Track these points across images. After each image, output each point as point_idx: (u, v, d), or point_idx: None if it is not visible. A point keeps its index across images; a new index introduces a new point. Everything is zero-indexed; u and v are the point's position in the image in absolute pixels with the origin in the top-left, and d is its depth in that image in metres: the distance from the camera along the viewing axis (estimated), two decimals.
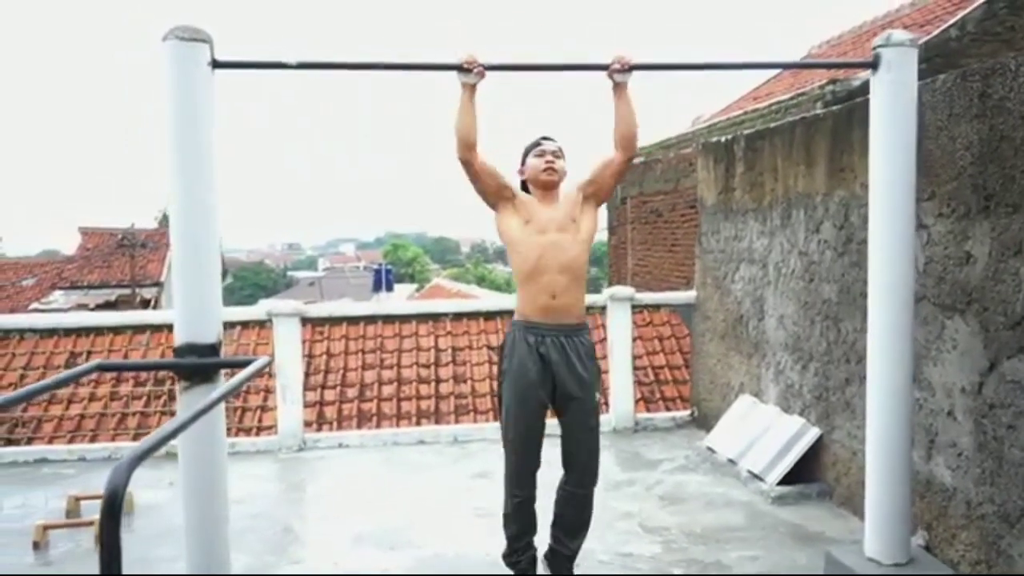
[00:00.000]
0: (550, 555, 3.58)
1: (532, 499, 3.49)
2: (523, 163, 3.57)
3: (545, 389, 3.38)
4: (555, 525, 3.55)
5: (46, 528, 4.40)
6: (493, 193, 3.47)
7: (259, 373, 2.68)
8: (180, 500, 2.99)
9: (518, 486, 3.45)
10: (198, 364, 2.85)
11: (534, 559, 3.57)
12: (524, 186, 3.61)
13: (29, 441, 7.29)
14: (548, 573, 3.57)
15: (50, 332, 8.28)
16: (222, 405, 3.01)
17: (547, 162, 3.45)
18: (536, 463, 3.47)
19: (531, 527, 3.53)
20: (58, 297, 24.44)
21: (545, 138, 3.56)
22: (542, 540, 3.61)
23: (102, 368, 2.87)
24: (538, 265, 3.35)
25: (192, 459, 2.93)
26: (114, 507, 1.56)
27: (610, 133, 3.48)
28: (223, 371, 2.99)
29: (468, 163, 3.37)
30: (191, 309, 2.91)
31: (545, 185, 3.47)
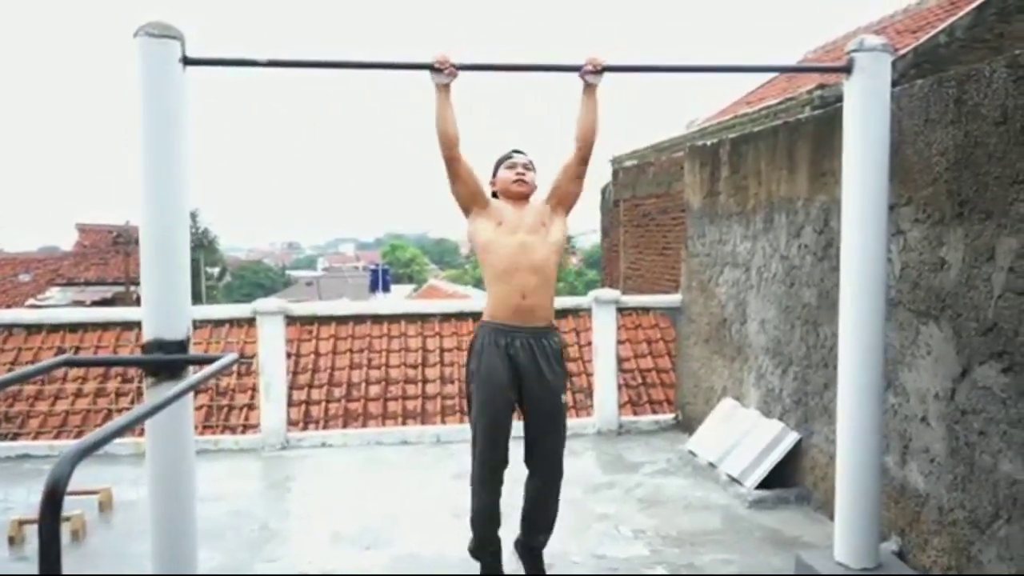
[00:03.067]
0: (519, 546, 3.64)
1: (498, 499, 3.51)
2: (494, 175, 3.65)
3: (513, 390, 3.43)
4: (523, 520, 3.61)
5: (22, 524, 4.39)
6: (469, 196, 3.52)
7: (226, 369, 2.68)
8: (147, 498, 2.99)
9: (485, 488, 3.48)
10: (165, 360, 2.85)
11: (499, 553, 3.61)
12: (495, 198, 3.67)
13: (14, 437, 7.28)
14: (517, 571, 3.59)
15: (38, 328, 8.28)
16: (189, 401, 3.01)
17: (517, 174, 3.54)
18: (504, 462, 3.49)
19: (496, 523, 3.57)
20: (54, 293, 24.45)
21: (516, 151, 3.65)
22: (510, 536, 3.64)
23: (70, 363, 2.88)
24: (509, 265, 3.41)
25: (159, 456, 2.93)
26: (55, 500, 1.57)
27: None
28: (192, 368, 2.99)
29: (453, 160, 3.43)
30: (159, 305, 2.91)
31: (516, 196, 3.55)
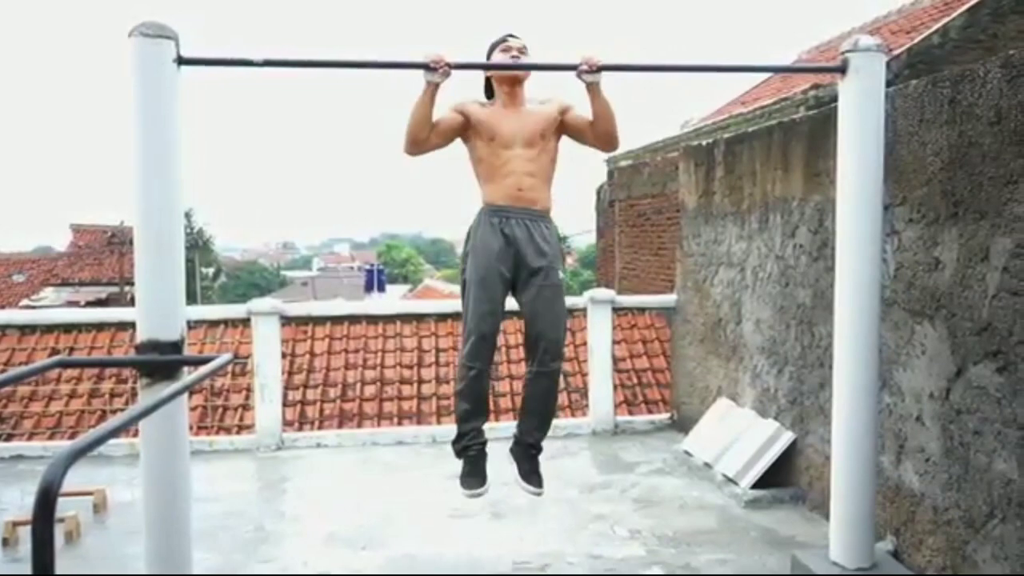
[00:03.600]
0: (515, 447, 3.53)
1: (487, 373, 3.43)
2: (488, 59, 3.49)
3: (506, 264, 3.34)
4: (521, 415, 3.53)
5: (15, 525, 4.38)
6: (452, 137, 3.41)
7: (220, 370, 2.67)
8: (141, 499, 2.98)
9: (474, 358, 3.37)
10: (159, 361, 2.84)
11: (483, 450, 3.50)
12: (488, 90, 3.53)
13: (8, 438, 7.25)
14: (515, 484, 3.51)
15: (32, 328, 8.25)
16: (184, 402, 3.00)
17: (513, 56, 3.39)
18: (494, 338, 3.42)
19: (483, 408, 3.49)
20: (49, 294, 24.40)
21: (511, 35, 3.49)
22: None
23: (64, 364, 2.87)
24: (503, 171, 3.34)
25: (154, 456, 2.92)
26: (48, 501, 1.55)
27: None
28: (187, 368, 2.98)
29: (415, 155, 3.35)
30: (154, 306, 2.90)
31: (512, 80, 3.40)
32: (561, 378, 3.52)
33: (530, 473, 3.47)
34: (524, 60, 3.41)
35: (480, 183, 3.45)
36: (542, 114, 3.42)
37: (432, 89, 3.20)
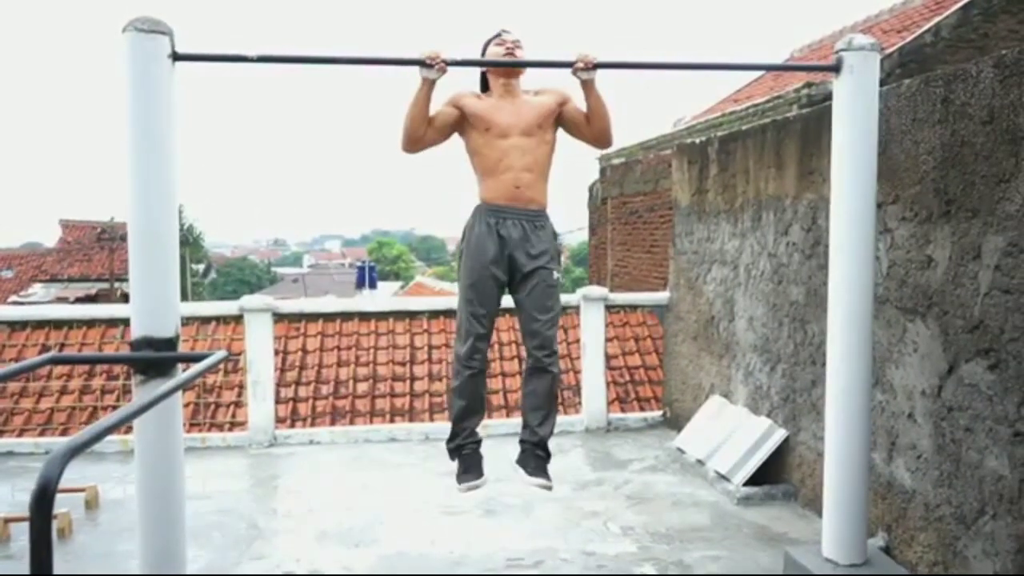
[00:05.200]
0: (521, 457, 3.50)
1: (482, 372, 3.46)
2: (483, 55, 3.49)
3: (501, 266, 3.36)
4: (524, 413, 3.51)
5: (7, 521, 4.36)
6: (452, 128, 3.41)
7: (215, 367, 2.67)
8: (135, 496, 2.97)
9: (469, 358, 3.40)
10: (153, 358, 2.83)
11: (478, 449, 3.52)
12: (484, 85, 3.53)
13: None
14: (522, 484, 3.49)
15: (22, 324, 8.20)
16: (178, 399, 2.99)
17: (507, 49, 3.39)
18: (488, 338, 3.44)
19: (478, 407, 3.51)
20: (37, 289, 24.27)
21: (505, 31, 3.49)
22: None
23: (57, 361, 2.86)
24: (500, 165, 3.33)
25: (148, 454, 2.91)
26: (45, 498, 1.54)
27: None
28: (181, 365, 2.97)
29: (413, 152, 3.36)
30: (148, 303, 2.89)
31: (507, 73, 3.41)
32: (559, 373, 3.51)
33: (537, 470, 3.46)
34: (519, 54, 3.40)
35: (477, 177, 3.44)
36: (540, 104, 3.41)
37: (428, 86, 3.20)
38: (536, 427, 3.46)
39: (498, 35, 3.47)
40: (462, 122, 3.40)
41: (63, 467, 1.57)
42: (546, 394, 3.45)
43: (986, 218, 3.16)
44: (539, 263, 3.36)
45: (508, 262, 3.36)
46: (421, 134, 3.30)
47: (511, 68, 3.39)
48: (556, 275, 3.44)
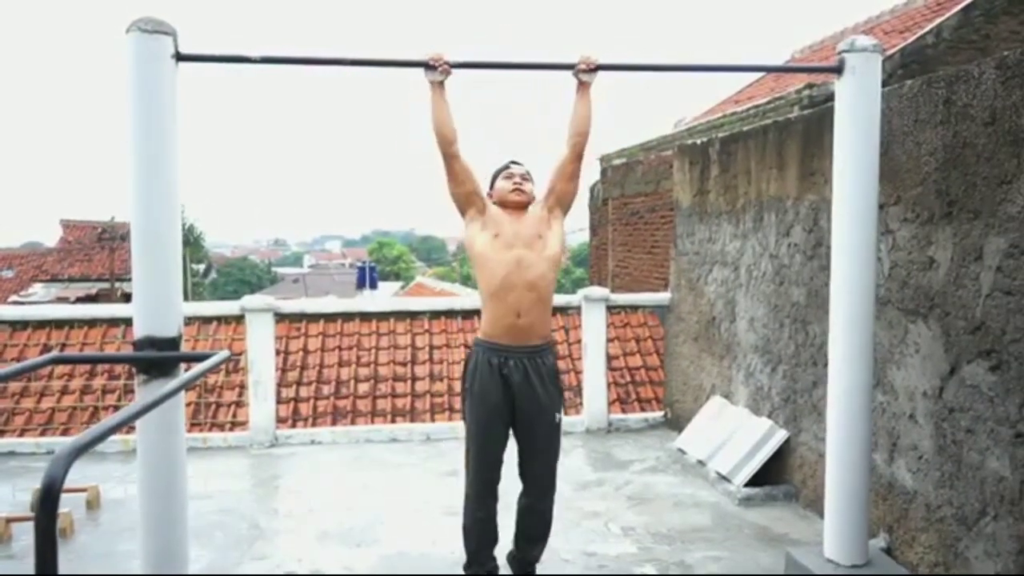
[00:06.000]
0: (513, 560, 3.65)
1: (493, 515, 3.50)
2: (492, 186, 3.61)
3: (506, 411, 3.42)
4: (517, 533, 3.60)
5: (9, 521, 4.36)
6: (465, 196, 3.47)
7: (218, 367, 2.67)
8: (138, 496, 2.97)
9: (479, 505, 3.47)
10: (156, 357, 2.83)
11: (495, 570, 3.57)
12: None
13: (0, 434, 7.21)
14: (510, 574, 3.60)
15: (23, 324, 8.20)
16: (181, 399, 2.99)
17: (515, 184, 3.49)
18: (497, 481, 3.49)
19: (492, 540, 3.55)
20: (38, 289, 24.27)
21: (514, 162, 3.62)
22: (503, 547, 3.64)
23: (58, 361, 2.86)
24: (504, 282, 3.35)
25: (150, 454, 2.91)
26: (50, 498, 1.55)
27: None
28: (183, 365, 2.97)
29: (451, 158, 3.40)
30: (151, 302, 2.89)
31: (514, 206, 3.50)
32: (554, 504, 3.61)
33: None
34: (527, 187, 3.52)
35: (481, 295, 3.48)
36: (535, 218, 3.50)
37: (438, 87, 3.26)
38: (530, 551, 3.60)
39: (507, 167, 3.59)
40: (475, 203, 3.48)
41: (68, 467, 1.57)
42: (543, 526, 3.55)
43: (988, 219, 3.16)
44: (541, 406, 3.42)
45: (512, 404, 3.41)
46: (452, 132, 3.37)
47: (518, 201, 3.50)
48: (558, 417, 3.50)
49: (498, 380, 3.38)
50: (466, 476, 3.53)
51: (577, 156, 3.53)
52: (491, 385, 3.38)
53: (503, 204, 3.52)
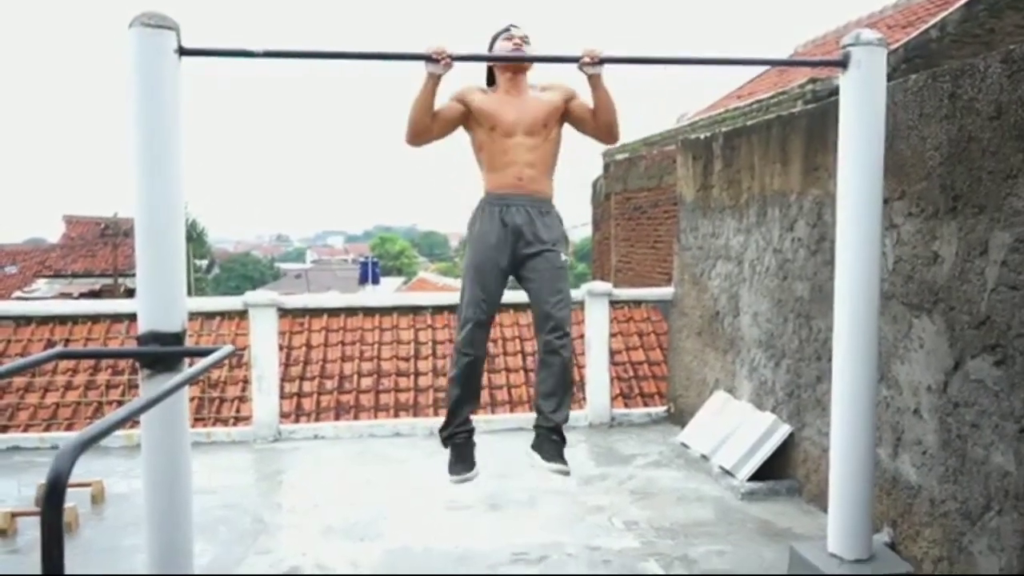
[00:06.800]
0: (536, 442, 3.46)
1: (481, 360, 3.46)
2: (490, 49, 3.50)
3: (504, 252, 3.34)
4: (537, 397, 3.46)
5: (14, 516, 4.37)
6: (454, 125, 3.41)
7: (222, 361, 2.67)
8: (142, 491, 2.98)
9: (469, 344, 3.39)
10: (160, 352, 2.83)
11: (471, 438, 3.52)
12: (491, 79, 3.53)
13: (3, 429, 7.24)
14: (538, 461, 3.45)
15: (27, 320, 8.22)
16: (185, 394, 2.99)
17: (515, 45, 3.39)
18: (488, 325, 3.43)
19: (474, 395, 3.51)
20: (41, 285, 24.28)
21: (512, 25, 3.50)
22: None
23: (62, 356, 2.87)
24: (504, 160, 3.33)
25: (155, 448, 2.91)
26: (56, 493, 1.55)
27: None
28: (187, 360, 2.97)
29: (417, 146, 3.36)
30: (155, 297, 2.89)
31: (515, 69, 3.41)
32: (572, 357, 3.47)
33: (553, 455, 3.41)
34: (526, 50, 3.41)
35: (482, 171, 3.44)
36: (545, 102, 3.41)
37: (434, 80, 3.19)
38: (550, 413, 3.40)
39: (506, 30, 3.47)
40: (467, 117, 3.39)
41: (73, 462, 1.57)
42: (559, 379, 3.39)
43: (993, 214, 3.16)
44: (545, 246, 3.35)
45: (512, 248, 3.34)
46: (425, 127, 3.30)
47: (518, 64, 3.39)
48: (564, 257, 3.42)
49: (499, 224, 3.33)
50: (458, 322, 3.46)
51: (600, 133, 3.47)
52: (491, 227, 3.34)
53: (502, 68, 3.43)
